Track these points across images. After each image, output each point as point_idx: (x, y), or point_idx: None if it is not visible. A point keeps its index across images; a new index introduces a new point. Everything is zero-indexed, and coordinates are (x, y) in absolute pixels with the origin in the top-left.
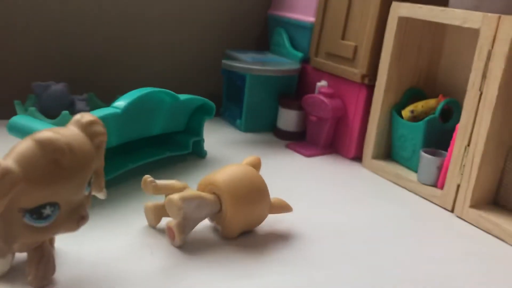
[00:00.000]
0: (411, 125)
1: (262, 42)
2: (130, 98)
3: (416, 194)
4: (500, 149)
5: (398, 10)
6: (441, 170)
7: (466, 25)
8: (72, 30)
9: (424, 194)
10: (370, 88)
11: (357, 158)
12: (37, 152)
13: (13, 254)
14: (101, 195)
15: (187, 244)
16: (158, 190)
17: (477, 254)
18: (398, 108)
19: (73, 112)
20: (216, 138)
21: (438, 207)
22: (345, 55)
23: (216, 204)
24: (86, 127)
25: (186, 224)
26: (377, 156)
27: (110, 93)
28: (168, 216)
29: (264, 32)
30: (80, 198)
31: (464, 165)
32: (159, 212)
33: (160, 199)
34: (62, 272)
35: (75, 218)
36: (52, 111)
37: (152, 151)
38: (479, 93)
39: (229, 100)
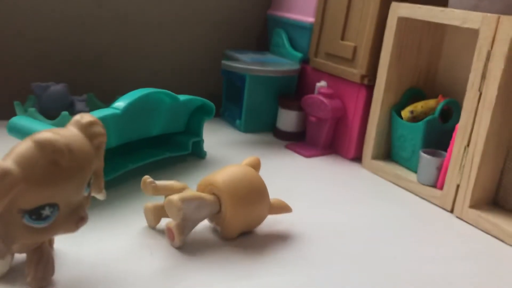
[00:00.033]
0: (411, 125)
1: (262, 43)
2: (130, 99)
3: (415, 194)
4: (500, 150)
5: (398, 11)
6: (440, 170)
7: (465, 26)
8: (72, 30)
9: (424, 194)
10: (370, 88)
11: (357, 158)
12: (36, 153)
13: (13, 255)
14: (100, 196)
15: (186, 245)
16: (157, 190)
17: (477, 254)
18: (397, 108)
19: (73, 112)
20: (216, 138)
21: (438, 207)
22: (344, 56)
23: (216, 205)
24: (85, 128)
25: (186, 225)
26: (376, 156)
27: (110, 94)
28: (167, 216)
29: (263, 33)
30: (79, 199)
31: (463, 166)
32: (159, 212)
33: (159, 200)
34: (61, 273)
35: (75, 219)
36: (52, 112)
37: (152, 151)
38: (478, 93)
39: (228, 100)
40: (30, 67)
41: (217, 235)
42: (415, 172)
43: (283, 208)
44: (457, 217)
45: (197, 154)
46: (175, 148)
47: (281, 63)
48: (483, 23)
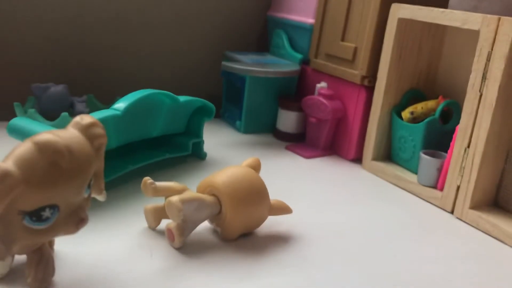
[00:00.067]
0: (411, 126)
1: (262, 44)
2: (130, 100)
3: (416, 195)
4: (500, 151)
5: (398, 12)
6: (441, 171)
7: (466, 27)
8: (72, 31)
9: (424, 195)
10: (370, 89)
11: (357, 159)
12: (36, 154)
13: (13, 256)
14: (100, 197)
15: (186, 246)
16: (157, 192)
17: (477, 255)
18: (398, 109)
19: (73, 113)
20: (216, 139)
21: (438, 208)
22: (344, 57)
23: (216, 206)
24: (85, 129)
25: (186, 226)
26: (377, 157)
27: (110, 95)
28: (167, 218)
29: (263, 34)
30: (79, 200)
31: (464, 167)
32: (159, 214)
33: (159, 201)
34: (61, 274)
35: (75, 220)
36: (52, 113)
37: (152, 153)
38: (479, 94)
39: (228, 101)
40: (30, 68)
41: (217, 236)
42: (415, 173)
43: (283, 209)
44: (457, 218)
45: (197, 155)
46: (175, 149)
47: (281, 64)
48: (483, 24)
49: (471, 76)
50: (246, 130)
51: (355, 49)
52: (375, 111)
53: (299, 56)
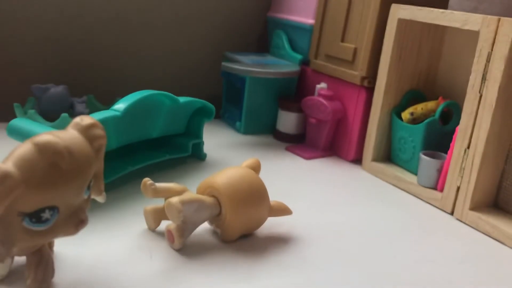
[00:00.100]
0: (411, 127)
1: (262, 44)
2: (130, 101)
3: (415, 196)
4: (500, 151)
5: (398, 12)
6: (440, 172)
7: (465, 27)
8: (71, 32)
9: (424, 196)
10: (370, 90)
11: (357, 160)
12: (36, 155)
13: (12, 257)
14: (100, 198)
15: (186, 247)
16: (157, 193)
17: (477, 256)
18: (397, 110)
19: (73, 114)
20: (216, 140)
21: (438, 209)
22: (344, 58)
23: (216, 207)
24: (85, 130)
25: (186, 227)
26: (376, 158)
27: (109, 96)
28: (167, 219)
29: (263, 34)
30: (79, 201)
31: (463, 168)
32: (159, 215)
33: (159, 202)
34: (61, 275)
35: (74, 222)
36: (52, 114)
37: (152, 153)
38: (478, 95)
39: (228, 102)
40: (29, 69)
41: (217, 238)
42: (415, 174)
43: (283, 210)
44: (457, 219)
45: (197, 156)
46: (175, 150)
47: (281, 65)
48: (483, 24)
49: (471, 77)
50: (246, 131)
51: (355, 50)
52: (375, 112)
53: (299, 56)
